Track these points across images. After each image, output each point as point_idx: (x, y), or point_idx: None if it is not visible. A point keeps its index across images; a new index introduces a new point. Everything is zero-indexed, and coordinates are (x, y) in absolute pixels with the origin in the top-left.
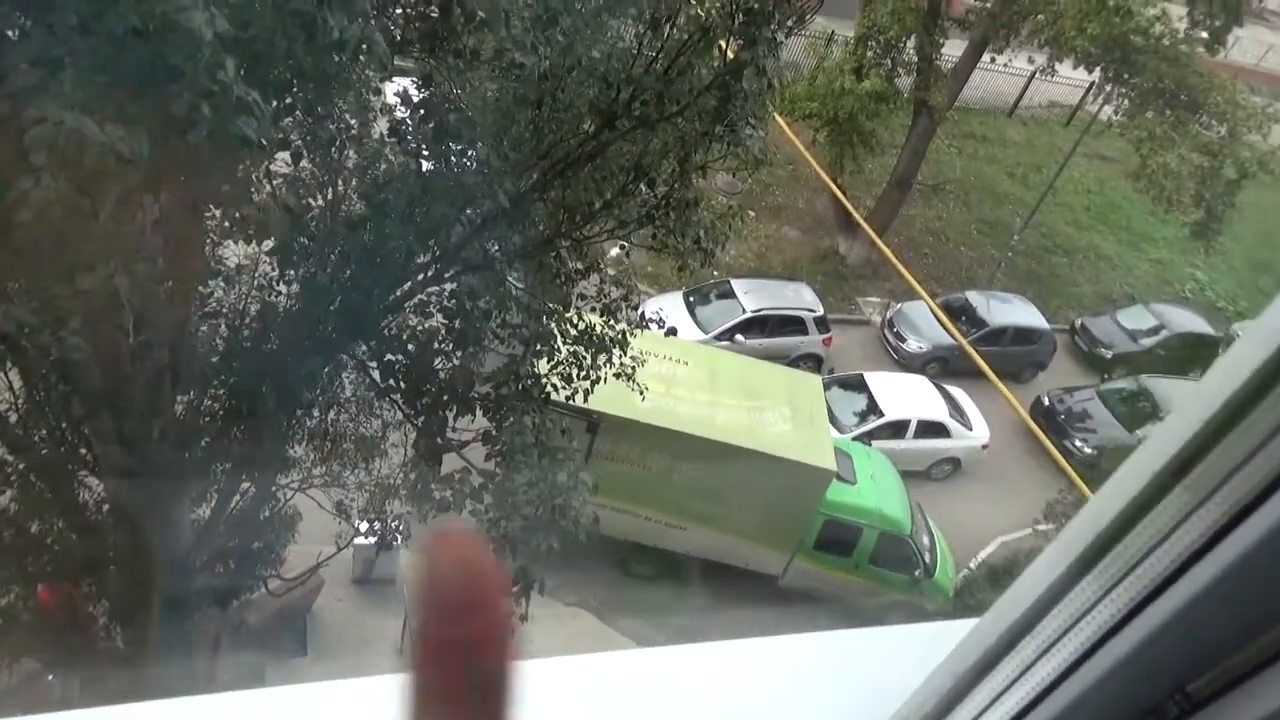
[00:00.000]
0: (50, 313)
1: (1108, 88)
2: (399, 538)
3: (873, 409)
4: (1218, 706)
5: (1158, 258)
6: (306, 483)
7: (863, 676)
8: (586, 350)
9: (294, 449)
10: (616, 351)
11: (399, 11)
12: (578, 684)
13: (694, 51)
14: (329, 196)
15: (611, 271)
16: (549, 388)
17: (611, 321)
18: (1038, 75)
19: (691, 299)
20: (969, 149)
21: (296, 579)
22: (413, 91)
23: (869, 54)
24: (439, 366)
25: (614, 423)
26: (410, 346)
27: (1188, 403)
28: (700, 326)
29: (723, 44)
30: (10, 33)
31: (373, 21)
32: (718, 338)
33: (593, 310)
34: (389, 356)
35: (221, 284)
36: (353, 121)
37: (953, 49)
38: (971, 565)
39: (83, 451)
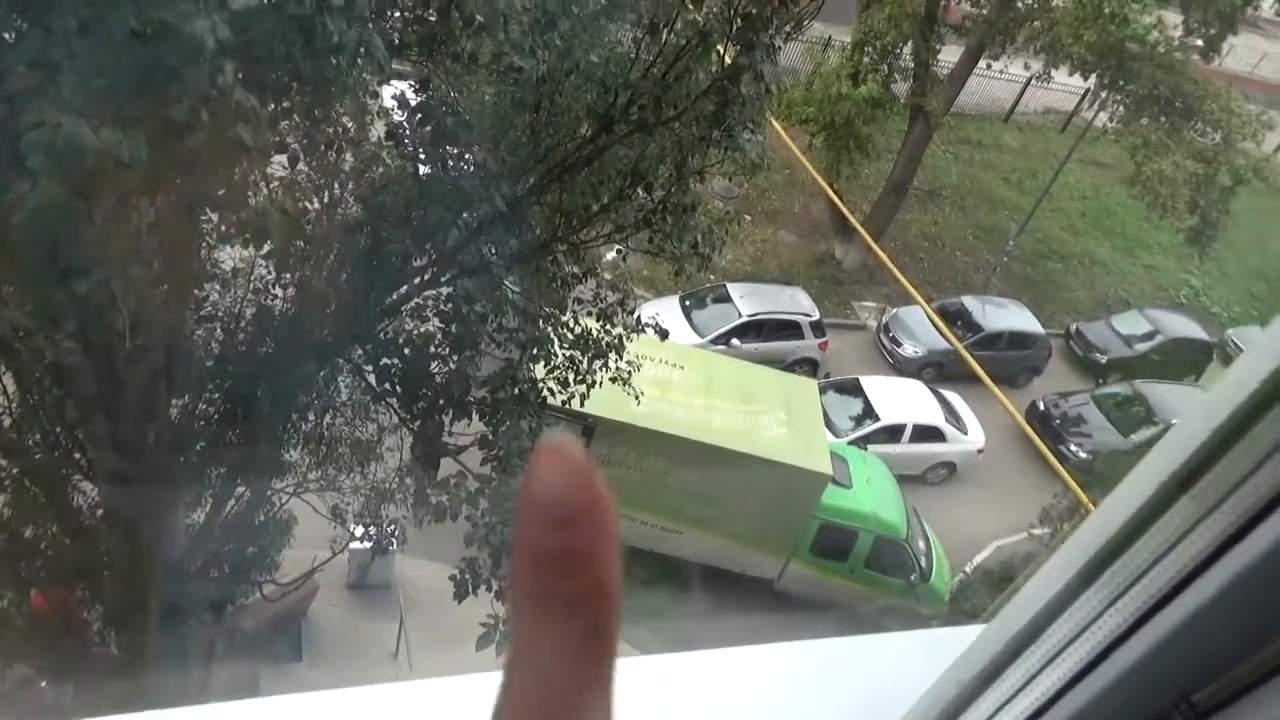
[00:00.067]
0: (45, 316)
1: (1103, 94)
2: (394, 542)
3: (868, 413)
4: (1223, 716)
5: (1152, 263)
6: (302, 487)
7: (865, 683)
8: (583, 354)
9: (289, 453)
10: (612, 356)
11: (397, 15)
12: None
13: (692, 57)
14: (326, 200)
15: (608, 276)
16: (545, 392)
17: (607, 326)
18: (1033, 81)
19: (687, 303)
20: (965, 154)
21: (291, 584)
22: (410, 95)
23: (866, 59)
24: (435, 370)
25: (610, 427)
26: (406, 350)
27: (1193, 414)
28: (696, 330)
29: (720, 49)
30: (8, 35)
31: (370, 25)
32: (714, 342)
33: (589, 315)
34: (385, 360)
35: (217, 287)
36: (350, 125)
37: (949, 55)
38: (967, 569)
39: (77, 456)
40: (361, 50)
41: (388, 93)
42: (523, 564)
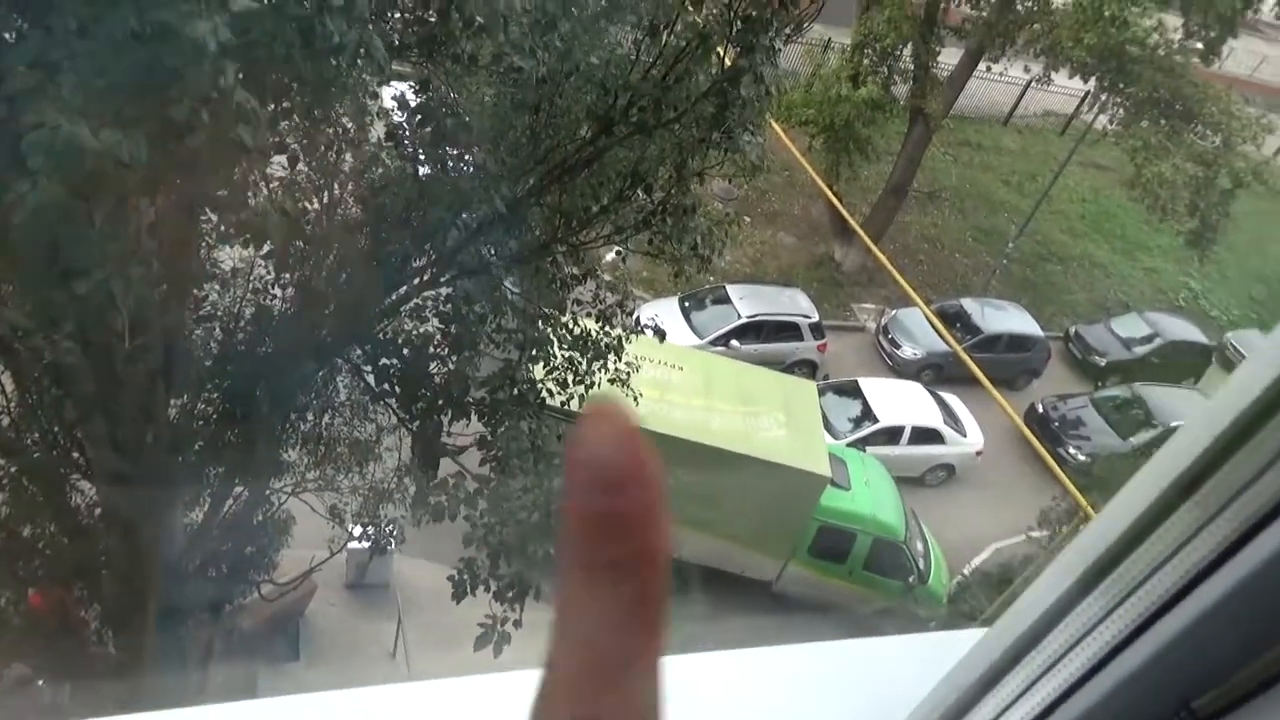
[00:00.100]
0: (44, 316)
1: (1103, 97)
2: (392, 542)
3: (867, 415)
4: None
5: (1152, 266)
6: (300, 487)
7: (865, 687)
8: (582, 356)
9: (288, 453)
10: (611, 357)
11: (397, 16)
12: None
13: (692, 59)
14: (325, 200)
15: (607, 277)
16: (544, 393)
17: (607, 328)
18: (1033, 84)
19: (687, 304)
20: (965, 157)
21: (289, 584)
22: (410, 96)
23: (865, 62)
24: (434, 371)
25: None
26: (405, 351)
27: (1195, 420)
28: (695, 332)
29: (720, 51)
30: (8, 35)
31: (371, 26)
32: (713, 343)
33: (588, 316)
34: (384, 360)
35: (217, 287)
36: (350, 126)
37: (949, 57)
38: (965, 571)
39: (75, 455)
40: (361, 51)
41: (387, 94)
42: (571, 528)
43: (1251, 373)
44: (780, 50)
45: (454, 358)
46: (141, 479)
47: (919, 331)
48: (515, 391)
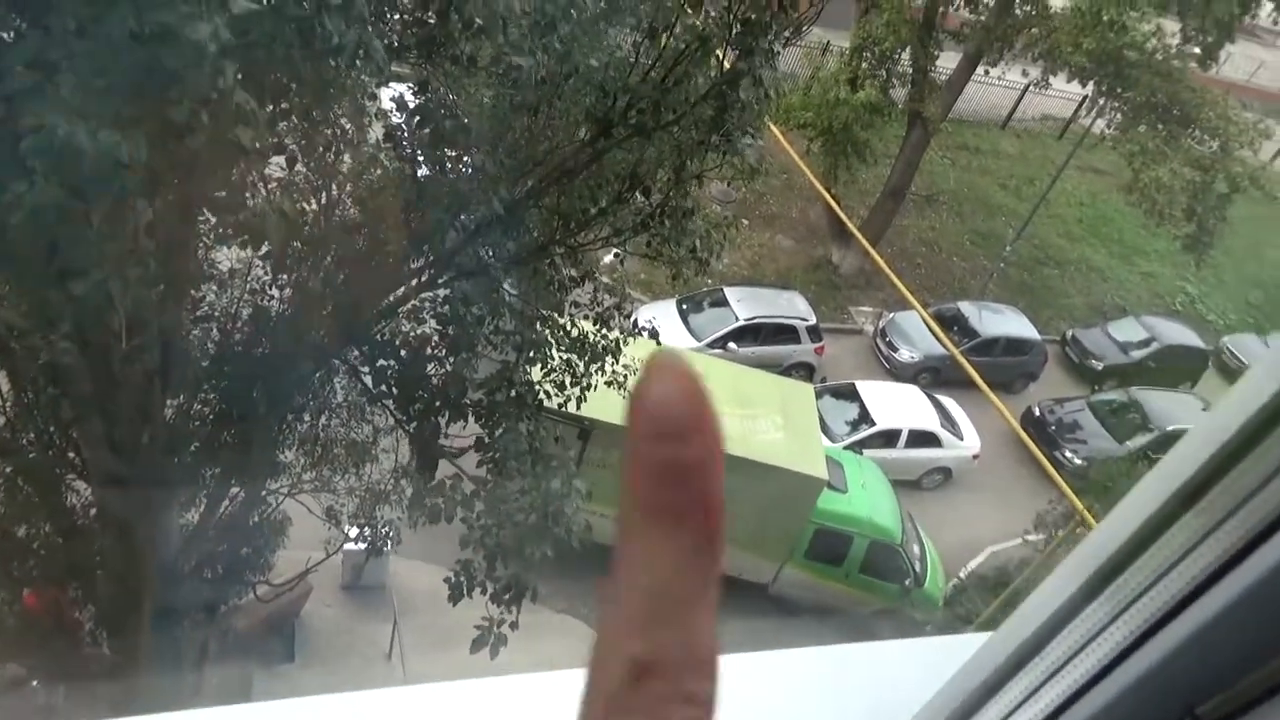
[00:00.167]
0: (41, 316)
1: (1101, 101)
2: (389, 544)
3: (864, 418)
4: None
5: (1149, 270)
6: (296, 488)
7: (868, 691)
8: (580, 357)
9: (284, 454)
10: (609, 359)
11: (396, 17)
12: (572, 698)
13: (691, 61)
14: (324, 201)
15: (605, 279)
16: (542, 394)
17: (604, 330)
18: (1031, 88)
19: (684, 306)
20: (962, 160)
21: (285, 585)
22: (409, 97)
23: (864, 65)
24: (431, 372)
25: (606, 430)
26: (403, 352)
27: (1199, 428)
28: (693, 334)
29: (719, 54)
30: (7, 35)
31: (370, 27)
32: (710, 345)
33: (586, 318)
34: (381, 362)
35: (214, 288)
36: (348, 127)
37: (947, 61)
38: (961, 575)
39: (71, 455)
40: (360, 52)
41: (386, 95)
42: (632, 474)
43: (1256, 381)
44: (779, 53)
45: (451, 359)
46: (137, 479)
47: (916, 335)
48: (513, 393)
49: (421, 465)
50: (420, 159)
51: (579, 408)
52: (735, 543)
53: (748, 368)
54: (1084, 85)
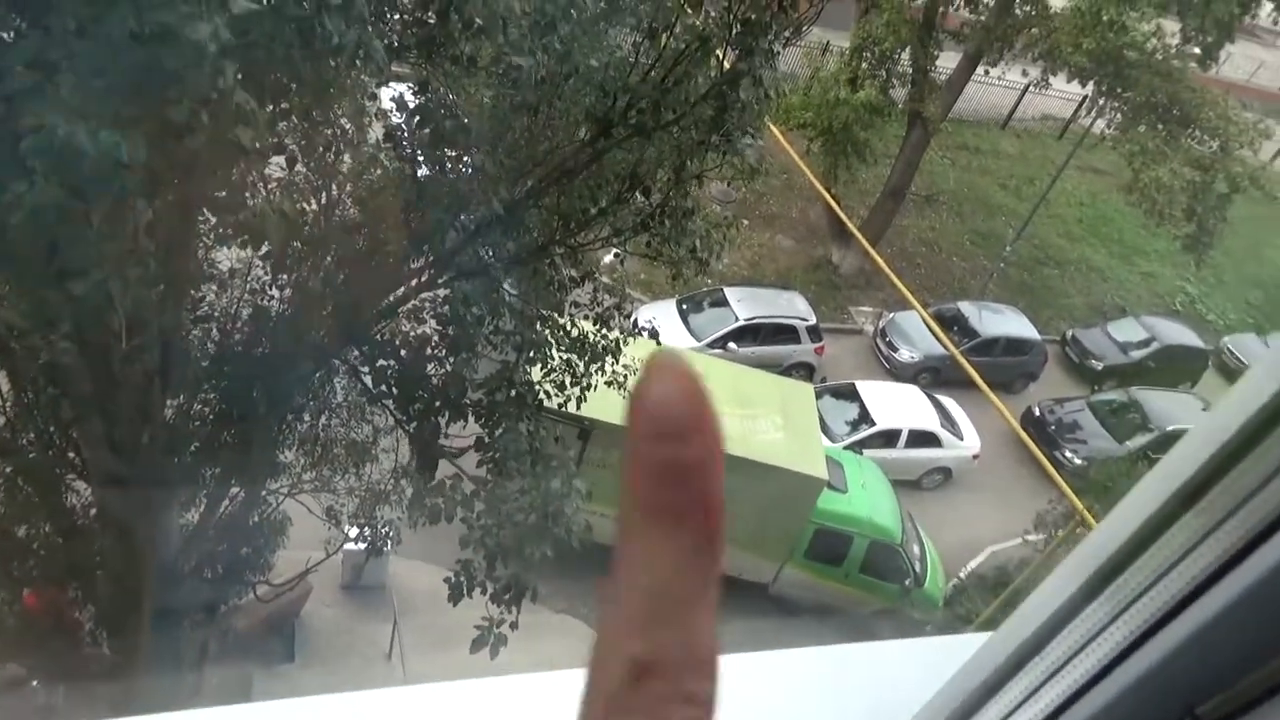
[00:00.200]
0: (41, 316)
1: (1101, 101)
2: (388, 543)
3: (864, 418)
4: None
5: (1149, 270)
6: (296, 488)
7: (868, 691)
8: (579, 358)
9: (284, 454)
10: (609, 359)
11: (396, 17)
12: (571, 699)
13: (691, 61)
14: (324, 201)
15: (605, 279)
16: (542, 394)
17: (604, 330)
18: (1031, 88)
19: (684, 306)
20: (962, 160)
21: (285, 585)
22: (409, 97)
23: (864, 65)
24: (431, 372)
25: (606, 430)
26: (403, 352)
27: (1199, 428)
28: (693, 334)
29: (720, 54)
30: (6, 35)
31: (370, 27)
32: (710, 346)
33: (586, 318)
34: (381, 362)
35: (214, 288)
36: (348, 127)
37: (947, 61)
38: (961, 575)
39: (71, 455)
40: (360, 52)
41: (386, 95)
42: (632, 474)
43: (1256, 381)
44: (779, 53)
45: (451, 359)
46: (137, 479)
47: (916, 335)
48: (513, 393)
49: (422, 465)
50: (420, 159)
51: (579, 408)
52: (735, 543)
53: (748, 368)
54: (1084, 85)
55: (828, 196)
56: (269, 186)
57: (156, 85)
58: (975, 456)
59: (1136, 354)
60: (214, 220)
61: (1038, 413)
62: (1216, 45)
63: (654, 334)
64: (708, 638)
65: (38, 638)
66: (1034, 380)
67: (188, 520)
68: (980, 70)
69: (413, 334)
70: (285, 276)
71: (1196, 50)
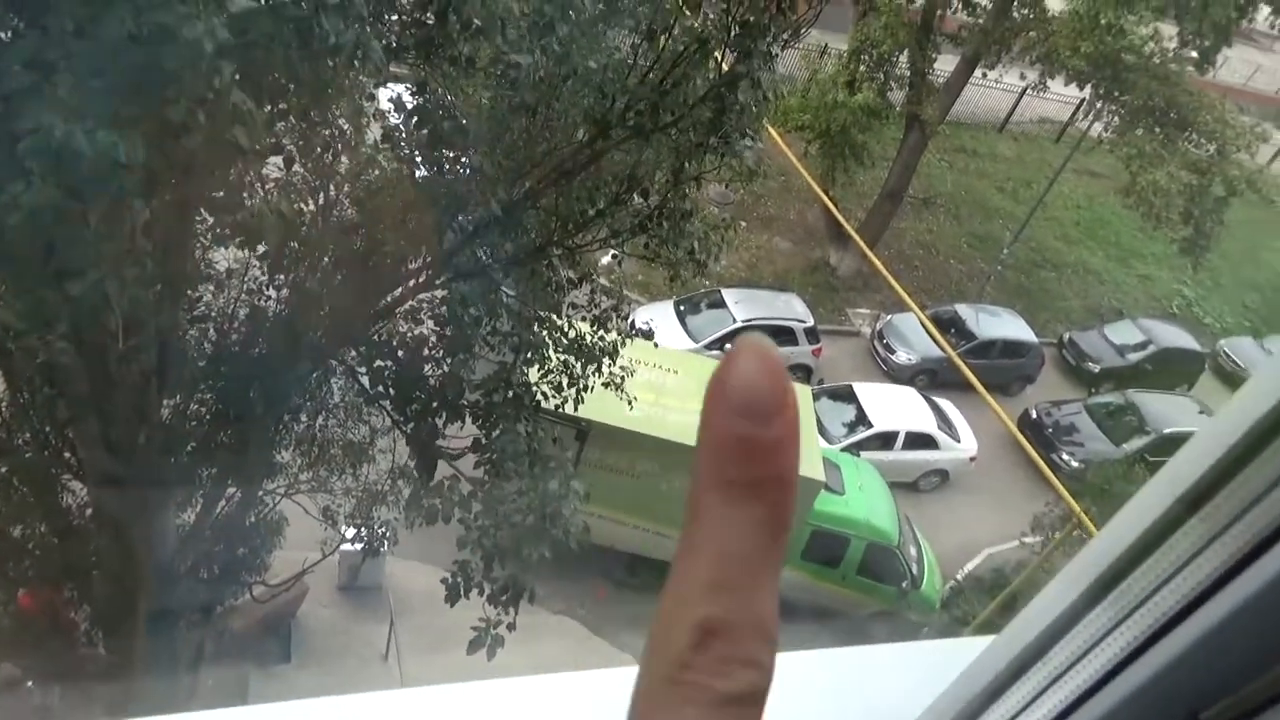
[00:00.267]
0: (38, 316)
1: (1098, 105)
2: (385, 544)
3: (861, 420)
4: None
5: (1146, 273)
6: (293, 488)
7: (868, 695)
8: (577, 359)
9: (281, 454)
10: (606, 360)
11: (394, 18)
12: (570, 701)
13: (690, 63)
14: (321, 202)
15: (603, 281)
16: (539, 396)
17: (601, 332)
18: (1029, 91)
19: (682, 308)
20: (960, 163)
21: (281, 585)
22: (407, 98)
23: (862, 68)
24: (429, 373)
25: (603, 431)
26: (400, 353)
27: (1203, 434)
28: (691, 335)
29: (718, 56)
30: (4, 35)
31: (368, 28)
32: (708, 347)
33: (583, 319)
34: (379, 362)
35: (211, 288)
36: (346, 127)
37: (945, 64)
38: (958, 577)
39: (67, 455)
40: (359, 53)
41: (384, 96)
42: (710, 448)
43: (1260, 386)
44: (777, 56)
45: (449, 360)
46: (133, 479)
47: (914, 337)
48: (510, 394)
49: (421, 466)
50: (418, 160)
51: (576, 409)
52: None
53: None
54: (1081, 88)
55: (825, 199)
56: (266, 187)
57: (154, 85)
58: (972, 459)
59: (1133, 357)
60: (211, 220)
61: (1035, 415)
62: (1214, 49)
63: (648, 335)
64: (771, 606)
65: (33, 638)
66: (1031, 383)
67: (184, 520)
68: (978, 73)
69: (410, 335)
70: (282, 277)
71: (1194, 54)
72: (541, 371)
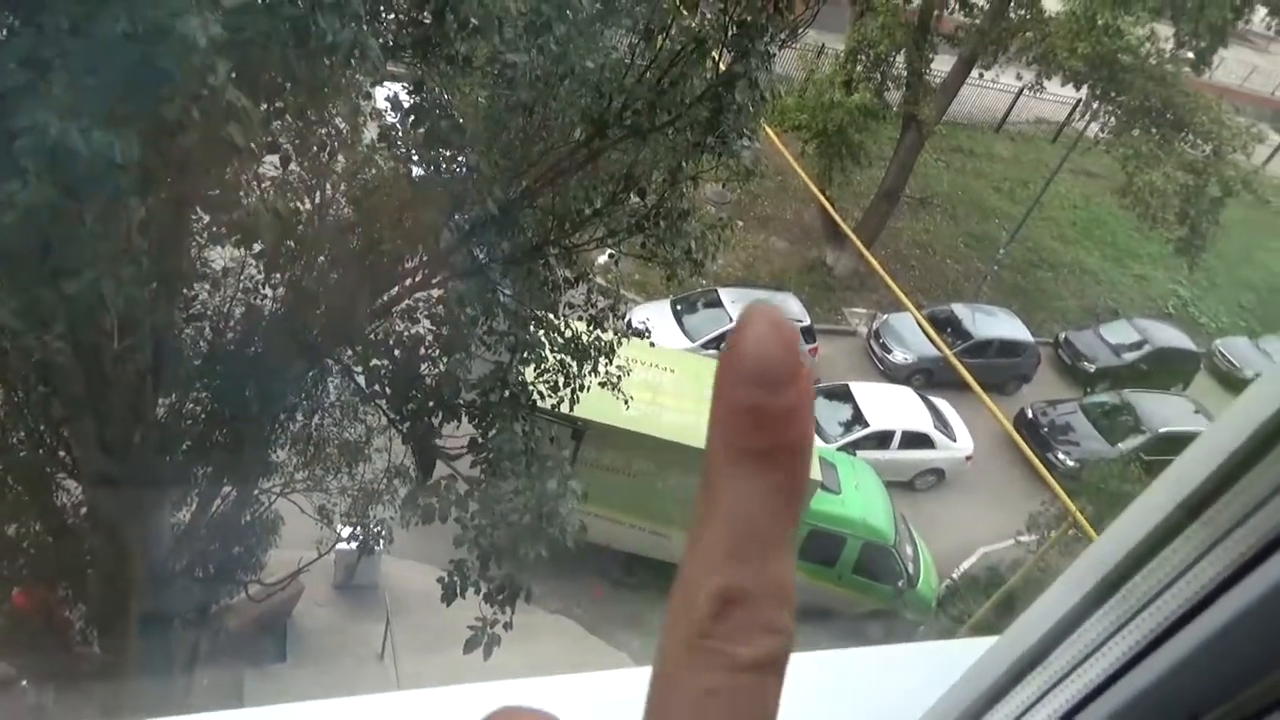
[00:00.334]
0: (33, 316)
1: (1095, 105)
2: (381, 543)
3: (858, 419)
4: None
5: (1141, 273)
6: (289, 487)
7: (869, 697)
8: (573, 358)
9: (277, 453)
10: (603, 360)
11: (391, 16)
12: (570, 703)
13: (687, 63)
14: (317, 201)
15: (600, 280)
16: (535, 395)
17: (598, 331)
18: (1026, 91)
19: (679, 307)
20: (957, 163)
21: (277, 584)
22: (403, 97)
23: (859, 68)
24: (425, 372)
25: (600, 430)
26: (396, 352)
27: (1205, 439)
28: (687, 335)
29: (715, 56)
30: None
31: (365, 26)
32: (704, 346)
33: (580, 319)
34: (375, 362)
35: (207, 287)
36: (343, 126)
37: (942, 64)
38: (954, 576)
39: (61, 454)
40: (355, 51)
41: (381, 94)
42: (722, 418)
43: (1263, 391)
44: (774, 55)
45: (445, 359)
46: (128, 478)
47: (910, 336)
48: (506, 394)
49: (420, 466)
50: (415, 159)
51: (572, 408)
52: None
53: None
54: (1078, 89)
55: (822, 198)
56: (263, 185)
57: (150, 83)
58: (968, 458)
59: (1129, 356)
60: (207, 219)
61: (1030, 414)
62: (1210, 50)
63: (644, 334)
64: (788, 572)
65: (27, 637)
66: (1027, 382)
67: (179, 519)
68: (975, 73)
69: (407, 334)
70: (279, 276)
71: (1190, 55)
72: (538, 371)
